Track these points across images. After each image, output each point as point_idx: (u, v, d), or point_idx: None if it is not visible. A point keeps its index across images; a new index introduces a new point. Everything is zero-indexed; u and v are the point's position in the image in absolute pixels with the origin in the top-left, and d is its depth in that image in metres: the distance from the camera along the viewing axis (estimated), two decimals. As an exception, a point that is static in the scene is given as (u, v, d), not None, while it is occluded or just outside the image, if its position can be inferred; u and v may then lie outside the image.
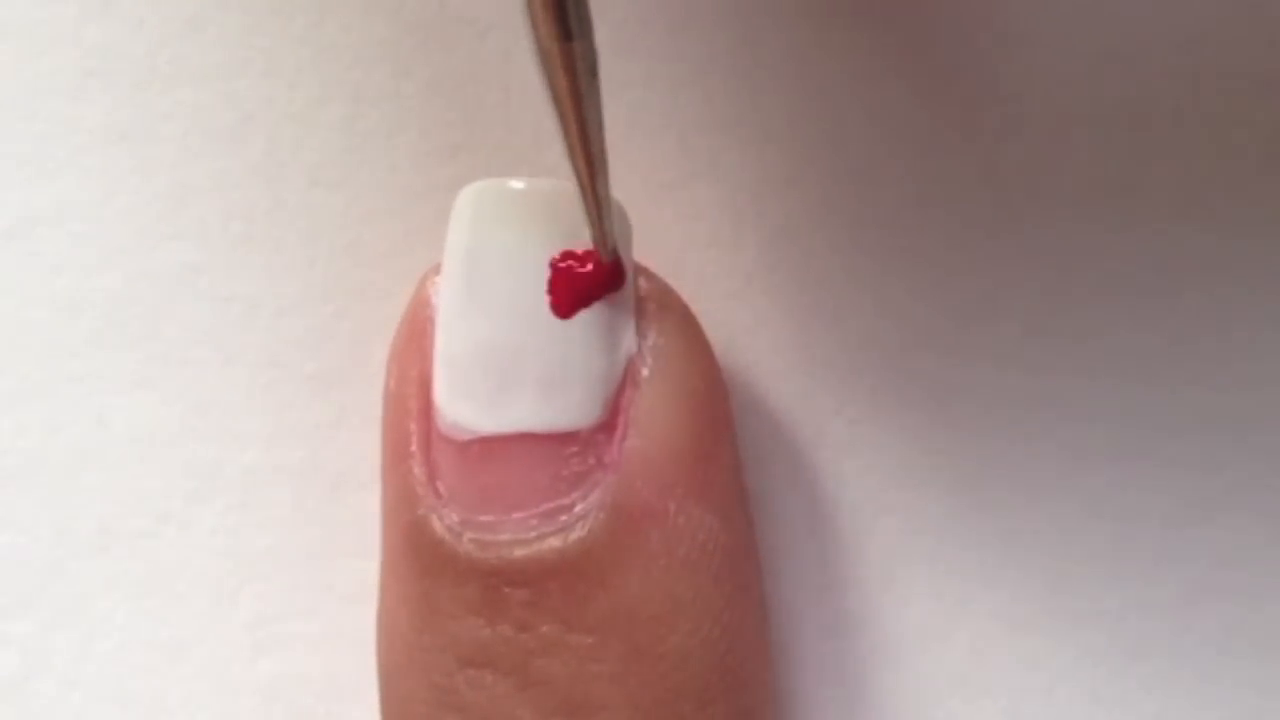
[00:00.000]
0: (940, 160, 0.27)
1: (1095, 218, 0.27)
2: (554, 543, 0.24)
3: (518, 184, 0.25)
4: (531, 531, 0.24)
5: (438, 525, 0.24)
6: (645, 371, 0.25)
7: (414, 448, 0.25)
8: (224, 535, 0.28)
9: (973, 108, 0.27)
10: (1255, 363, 0.27)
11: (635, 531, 0.24)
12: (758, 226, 0.28)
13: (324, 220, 0.28)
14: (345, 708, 0.28)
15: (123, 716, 0.28)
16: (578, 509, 0.24)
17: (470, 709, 0.24)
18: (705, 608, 0.25)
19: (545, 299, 0.24)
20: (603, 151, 0.23)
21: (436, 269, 0.25)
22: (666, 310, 0.25)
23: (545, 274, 0.24)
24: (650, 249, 0.26)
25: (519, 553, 0.24)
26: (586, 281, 0.24)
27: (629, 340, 0.25)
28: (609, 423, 0.24)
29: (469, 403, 0.24)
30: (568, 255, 0.24)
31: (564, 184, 0.24)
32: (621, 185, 0.26)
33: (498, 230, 0.24)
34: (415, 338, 0.25)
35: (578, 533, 0.24)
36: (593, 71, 0.22)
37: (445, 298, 0.25)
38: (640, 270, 0.25)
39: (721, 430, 0.26)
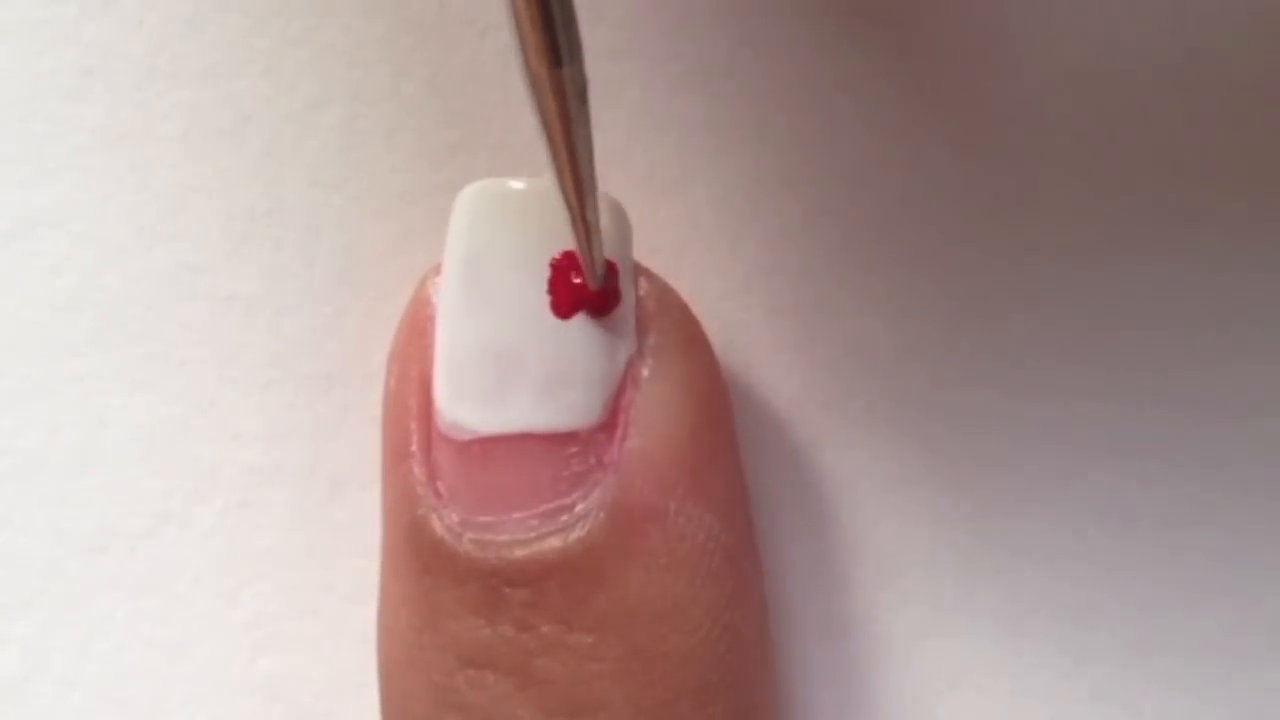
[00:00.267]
0: (939, 160, 0.27)
1: (1094, 218, 0.27)
2: (554, 542, 0.24)
3: (518, 184, 0.25)
4: (532, 531, 0.24)
5: (438, 525, 0.24)
6: (645, 371, 0.25)
7: (414, 447, 0.25)
8: (224, 535, 0.28)
9: (971, 108, 0.27)
10: (1255, 362, 0.27)
11: (635, 531, 0.24)
12: (757, 227, 0.28)
13: (324, 220, 0.28)
14: (345, 707, 0.28)
15: (122, 716, 0.28)
16: (578, 509, 0.24)
17: (471, 708, 0.24)
18: (706, 607, 0.24)
19: (545, 299, 0.24)
20: (592, 177, 0.23)
21: (437, 269, 0.25)
22: (666, 310, 0.25)
23: (545, 274, 0.24)
24: (650, 249, 0.26)
25: (519, 553, 0.24)
26: (584, 288, 0.24)
27: (629, 340, 0.25)
28: (609, 423, 0.24)
29: (469, 402, 0.24)
30: (568, 255, 0.24)
31: None
32: (621, 185, 0.27)
33: (498, 230, 0.24)
34: (415, 337, 0.25)
35: (578, 532, 0.24)
36: (582, 97, 0.22)
37: (445, 297, 0.25)
38: (640, 270, 0.25)
39: (722, 430, 0.26)
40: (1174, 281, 0.27)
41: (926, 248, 0.27)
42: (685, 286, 0.26)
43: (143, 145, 0.28)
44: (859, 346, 0.28)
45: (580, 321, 0.24)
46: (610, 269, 0.24)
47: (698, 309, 0.26)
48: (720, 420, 0.26)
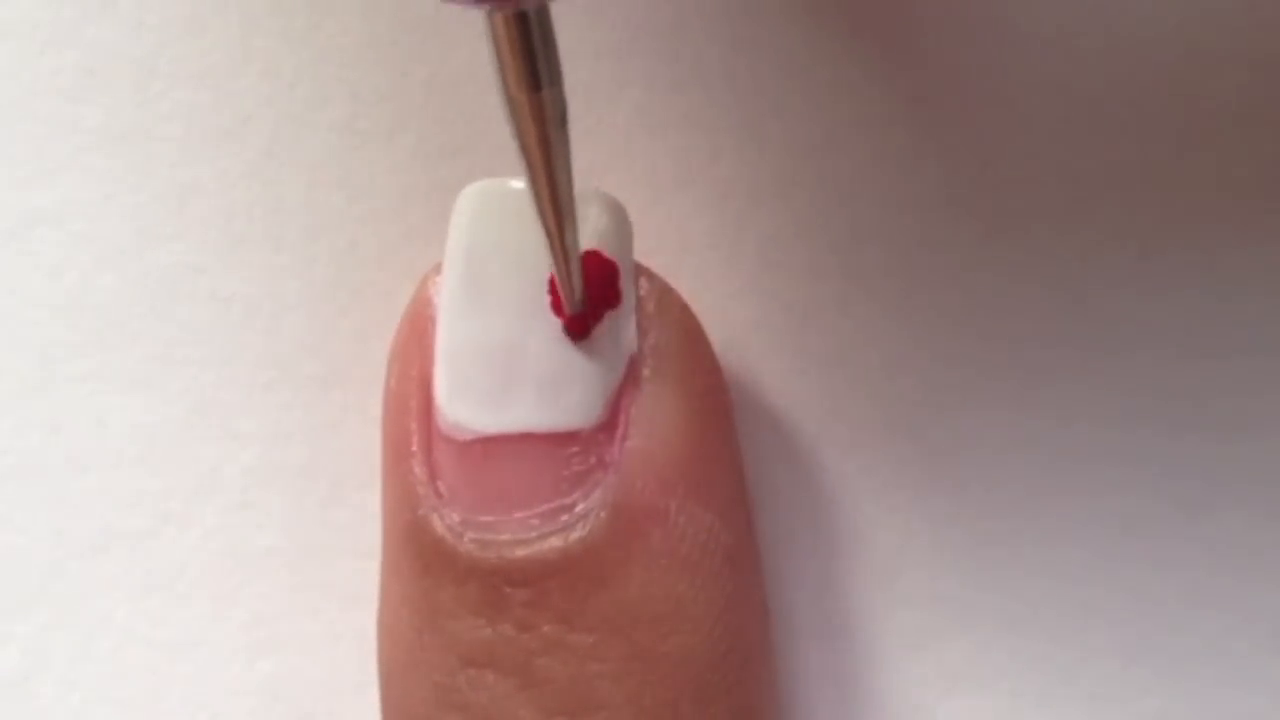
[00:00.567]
0: (937, 163, 0.27)
1: (1092, 220, 0.27)
2: (555, 542, 0.24)
3: (519, 184, 0.24)
4: (532, 531, 0.24)
5: (438, 525, 0.24)
6: (646, 371, 0.24)
7: (415, 447, 0.25)
8: (224, 535, 0.28)
9: (971, 110, 0.27)
10: (1254, 363, 0.27)
11: (636, 531, 0.24)
12: (757, 227, 0.27)
13: (324, 220, 0.28)
14: (345, 707, 0.28)
15: (122, 716, 0.28)
16: (579, 509, 0.24)
17: (471, 708, 0.24)
18: (706, 607, 0.24)
19: (546, 299, 0.24)
20: (570, 201, 0.23)
21: (438, 268, 0.25)
22: (667, 310, 0.25)
23: (546, 274, 0.24)
24: (650, 249, 0.26)
25: (520, 552, 0.24)
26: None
27: (629, 340, 0.25)
28: (610, 422, 0.24)
29: (470, 402, 0.24)
30: None
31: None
32: (622, 186, 0.26)
33: (499, 230, 0.24)
34: (416, 337, 0.25)
35: (579, 532, 0.24)
36: (562, 121, 0.22)
37: (446, 297, 0.25)
38: (641, 270, 0.25)
39: (722, 430, 0.26)
40: (1172, 284, 0.27)
41: (926, 249, 0.27)
42: (685, 287, 0.26)
43: (142, 145, 0.28)
44: (858, 348, 0.27)
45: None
46: (611, 268, 0.24)
47: (697, 309, 0.26)
48: (721, 420, 0.26)
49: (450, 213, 0.25)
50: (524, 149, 0.22)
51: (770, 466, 0.28)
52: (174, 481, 0.28)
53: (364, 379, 0.28)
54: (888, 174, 0.27)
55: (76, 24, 0.28)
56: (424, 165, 0.28)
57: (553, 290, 0.24)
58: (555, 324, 0.24)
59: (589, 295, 0.24)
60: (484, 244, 0.24)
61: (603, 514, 0.24)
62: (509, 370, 0.24)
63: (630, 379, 0.24)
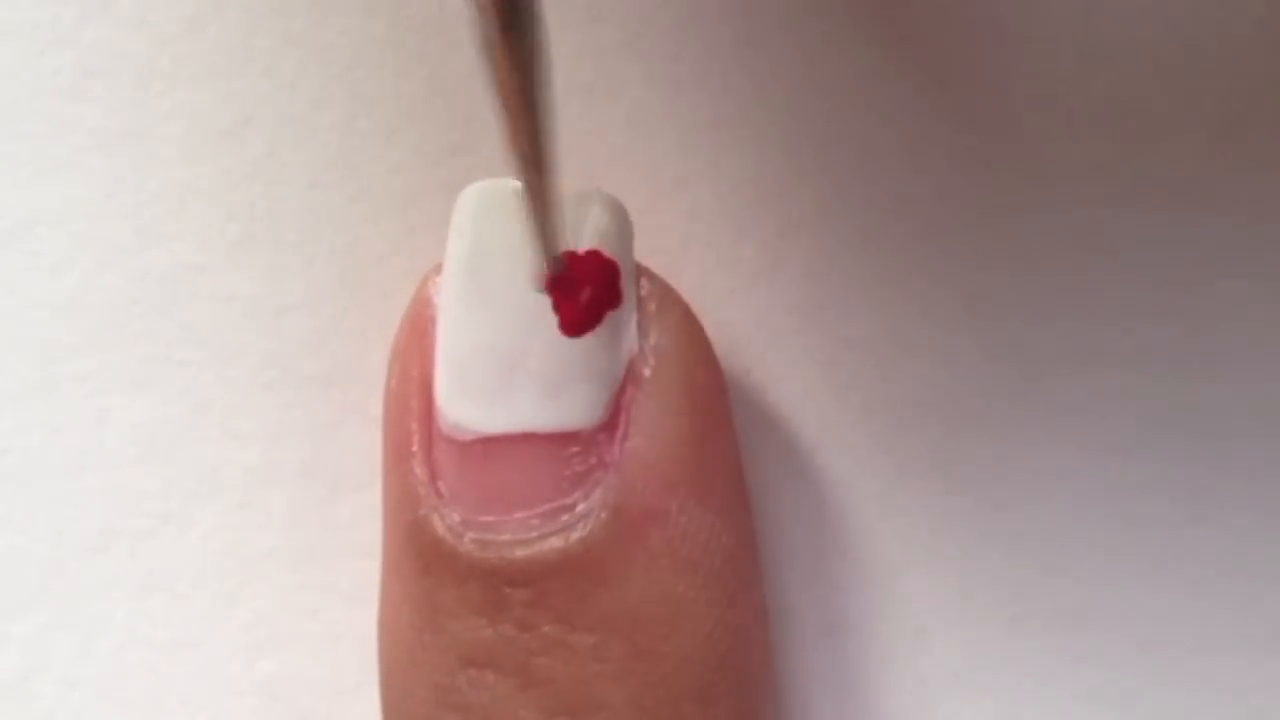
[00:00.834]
0: (940, 158, 0.27)
1: (1096, 215, 0.27)
2: (555, 543, 0.24)
3: (518, 183, 0.24)
4: (533, 531, 0.24)
5: (439, 525, 0.24)
6: (647, 371, 0.24)
7: (415, 447, 0.24)
8: (224, 535, 0.28)
9: (975, 106, 0.27)
10: (1256, 359, 0.27)
11: (637, 531, 0.24)
12: (758, 227, 0.27)
13: (324, 220, 0.28)
14: (345, 708, 0.28)
15: (122, 716, 0.28)
16: (579, 509, 0.24)
17: (472, 709, 0.24)
18: (708, 607, 0.24)
19: (547, 299, 0.24)
20: (552, 150, 0.23)
21: (438, 269, 0.25)
22: (668, 310, 0.25)
23: (547, 274, 0.24)
24: (650, 249, 0.26)
25: (520, 553, 0.24)
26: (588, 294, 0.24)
27: (630, 340, 0.24)
28: (610, 422, 0.24)
29: (471, 403, 0.24)
30: (569, 256, 0.24)
31: (566, 184, 0.24)
32: (622, 186, 0.26)
33: (500, 230, 0.24)
34: (416, 337, 0.25)
35: (579, 532, 0.24)
36: (539, 61, 0.22)
37: (447, 297, 0.24)
38: (641, 270, 0.25)
39: (723, 430, 0.25)
40: (1175, 280, 0.27)
41: (926, 248, 0.27)
42: (686, 287, 0.26)
43: (143, 145, 0.28)
44: (859, 347, 0.27)
45: None
46: (611, 268, 0.24)
47: (698, 309, 0.26)
48: (721, 420, 0.25)
49: (451, 213, 0.25)
50: (498, 95, 0.22)
51: (769, 467, 0.28)
52: (174, 481, 0.28)
53: (364, 379, 0.28)
54: (889, 174, 0.27)
55: (77, 23, 0.28)
56: (425, 165, 0.28)
57: (552, 289, 0.24)
58: (555, 324, 0.24)
59: (589, 295, 0.24)
60: (485, 244, 0.24)
61: (603, 514, 0.24)
62: (510, 370, 0.24)
63: (630, 379, 0.24)
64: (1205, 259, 0.27)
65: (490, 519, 0.24)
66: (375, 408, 0.27)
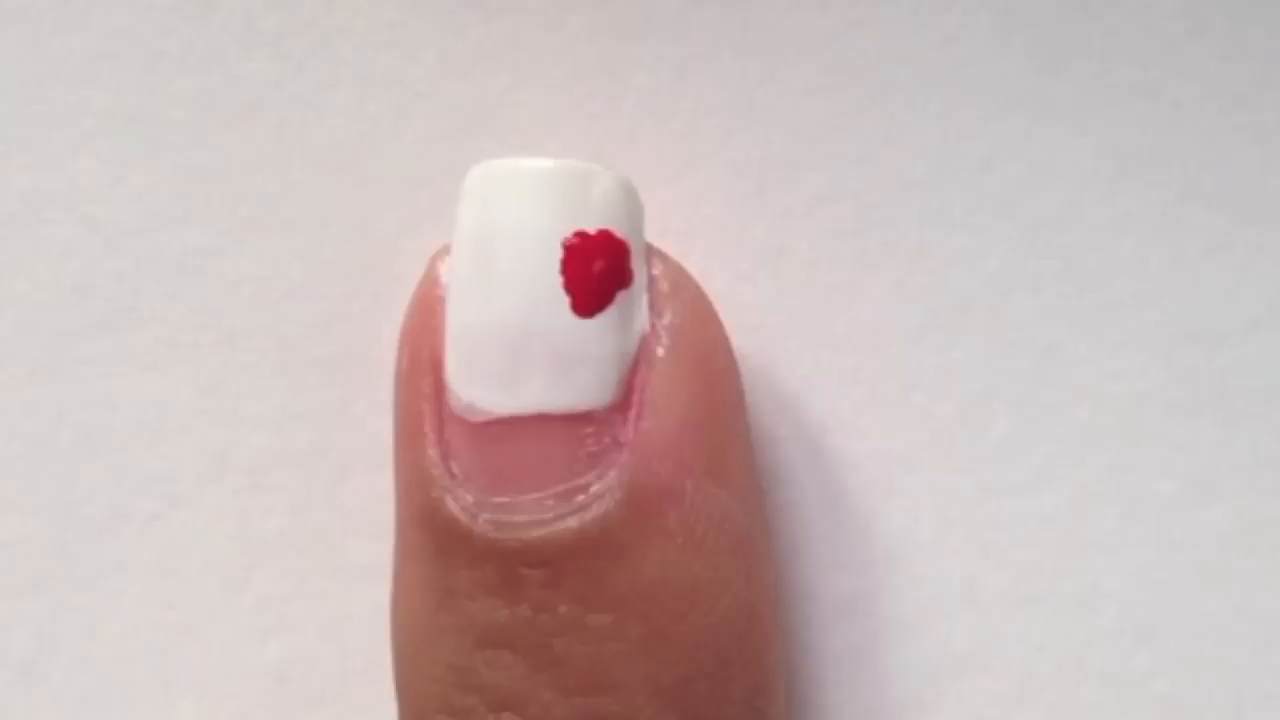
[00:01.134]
0: (947, 143, 0.27)
1: (1101, 201, 0.27)
2: (571, 523, 0.24)
3: (529, 162, 0.24)
4: (548, 512, 0.24)
5: (453, 506, 0.24)
6: (660, 351, 0.24)
7: (427, 429, 0.24)
8: (233, 517, 0.28)
9: (982, 93, 0.27)
10: (1261, 345, 0.27)
11: (652, 511, 0.24)
12: (766, 210, 0.27)
13: (332, 203, 0.28)
14: (355, 689, 0.28)
15: (132, 698, 0.28)
16: (594, 489, 0.24)
17: (488, 689, 0.24)
18: (722, 587, 0.24)
19: (559, 279, 0.24)
20: None
21: (447, 249, 0.25)
22: (681, 289, 0.25)
23: (559, 254, 0.24)
24: (659, 231, 0.26)
25: (535, 533, 0.24)
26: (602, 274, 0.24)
27: (641, 319, 0.24)
28: (623, 402, 0.24)
29: (484, 383, 0.24)
30: (581, 235, 0.24)
31: (576, 163, 0.24)
32: (630, 169, 0.26)
33: (510, 209, 0.24)
34: (426, 318, 0.25)
35: (595, 513, 0.24)
36: None
37: (457, 278, 0.24)
38: (653, 251, 0.25)
39: (735, 409, 0.25)
40: (1178, 264, 0.27)
41: (934, 231, 0.27)
42: (693, 269, 0.26)
43: (151, 129, 0.28)
44: (866, 330, 0.27)
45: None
46: (621, 247, 0.24)
47: (705, 290, 0.26)
48: (734, 400, 0.25)
49: (459, 194, 0.25)
50: None
51: (776, 449, 0.28)
52: (183, 464, 0.28)
53: (373, 361, 0.28)
54: (896, 159, 0.27)
55: (84, 7, 0.28)
56: (433, 148, 0.28)
57: (565, 269, 0.24)
58: (568, 303, 0.24)
59: (600, 274, 0.24)
60: (493, 224, 0.24)
61: (618, 494, 0.24)
62: (521, 350, 0.24)
63: (643, 359, 0.24)
64: (1210, 242, 0.27)
65: (505, 500, 0.24)
66: (384, 390, 0.27)
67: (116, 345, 0.28)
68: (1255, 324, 0.27)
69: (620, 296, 0.24)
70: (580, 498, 0.24)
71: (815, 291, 0.27)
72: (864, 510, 0.27)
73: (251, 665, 0.28)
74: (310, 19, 0.28)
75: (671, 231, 0.27)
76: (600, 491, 0.24)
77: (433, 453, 0.24)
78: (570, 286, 0.24)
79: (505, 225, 0.24)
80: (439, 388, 0.24)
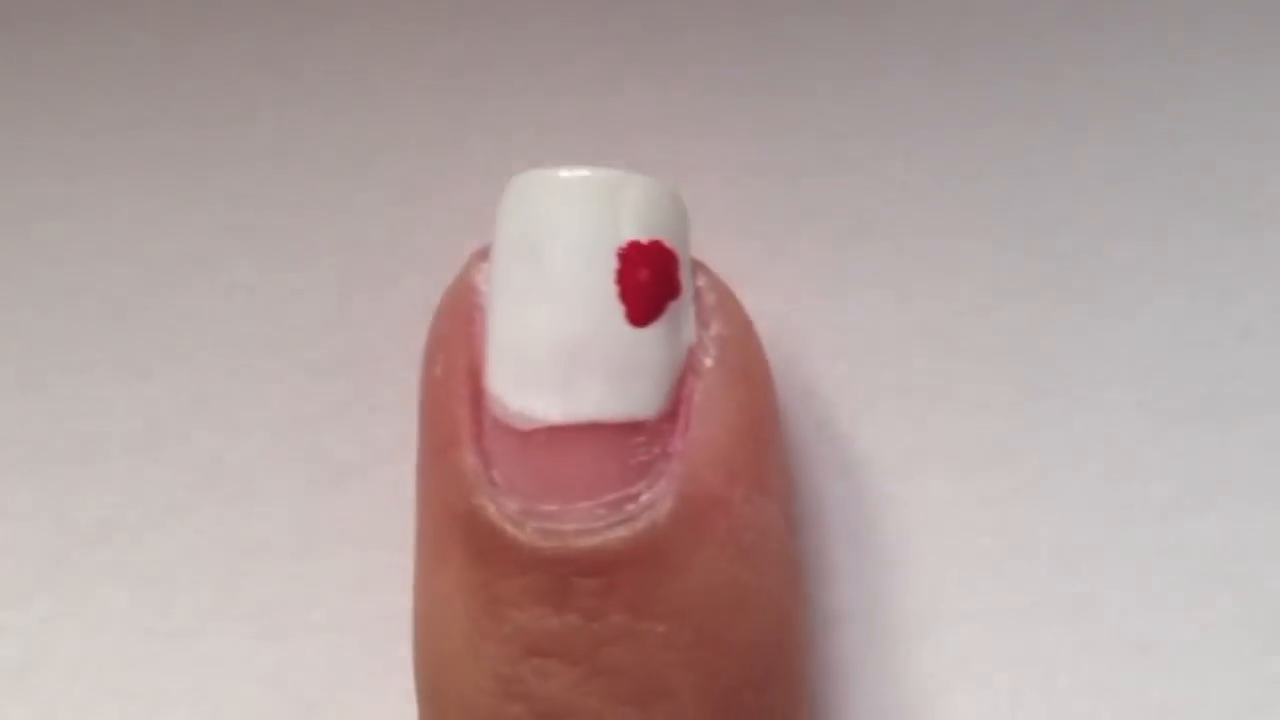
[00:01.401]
0: (946, 150, 0.27)
1: (1096, 207, 0.27)
2: (622, 532, 0.23)
3: (578, 171, 0.24)
4: (599, 521, 0.23)
5: (496, 514, 0.24)
6: (708, 362, 0.24)
7: (465, 436, 0.24)
8: (227, 525, 0.27)
9: (980, 99, 0.28)
10: (1255, 350, 0.27)
11: (703, 520, 0.24)
12: (763, 217, 0.28)
13: (327, 209, 0.28)
14: (348, 696, 0.27)
15: (125, 706, 0.27)
16: (643, 498, 0.24)
17: (535, 698, 0.23)
18: (769, 595, 0.24)
19: (614, 288, 0.24)
20: None
21: (481, 254, 0.25)
22: (725, 301, 0.25)
23: (614, 264, 0.24)
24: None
25: (585, 542, 0.23)
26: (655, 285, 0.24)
27: (689, 330, 0.24)
28: (672, 412, 0.24)
29: (537, 392, 0.24)
30: (634, 246, 0.24)
31: (627, 173, 0.24)
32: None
33: (561, 218, 0.24)
34: (462, 324, 0.24)
35: (645, 522, 0.23)
36: None
37: (502, 286, 0.24)
38: (696, 263, 0.25)
39: (775, 419, 0.25)
40: (1176, 271, 0.27)
41: (931, 239, 0.27)
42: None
43: (146, 135, 0.28)
44: (862, 337, 0.27)
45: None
46: (671, 257, 0.24)
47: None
48: (774, 410, 0.25)
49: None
50: None
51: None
52: (176, 471, 0.27)
53: (367, 367, 0.27)
54: (898, 162, 0.27)
55: (81, 12, 0.28)
56: (430, 154, 0.28)
57: (620, 279, 0.24)
58: (622, 313, 0.24)
59: (654, 284, 0.24)
60: (543, 233, 0.24)
61: (669, 503, 0.24)
62: (576, 359, 0.24)
63: (691, 369, 0.24)
64: (1209, 249, 0.27)
65: (554, 508, 0.24)
66: (379, 395, 0.27)
67: (109, 351, 0.27)
68: (1250, 330, 0.27)
69: (670, 307, 0.24)
70: (630, 507, 0.24)
71: (809, 298, 0.27)
72: (856, 518, 0.27)
73: (245, 672, 0.27)
74: (306, 24, 0.28)
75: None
76: (650, 501, 0.24)
77: (472, 460, 0.24)
78: (625, 296, 0.24)
79: (557, 234, 0.24)
80: (477, 395, 0.24)
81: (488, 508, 0.24)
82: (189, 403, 0.28)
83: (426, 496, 0.25)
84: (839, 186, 0.27)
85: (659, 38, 0.28)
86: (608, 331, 0.24)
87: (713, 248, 0.27)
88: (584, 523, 0.24)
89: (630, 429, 0.24)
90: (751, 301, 0.27)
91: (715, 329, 0.25)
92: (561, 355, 0.24)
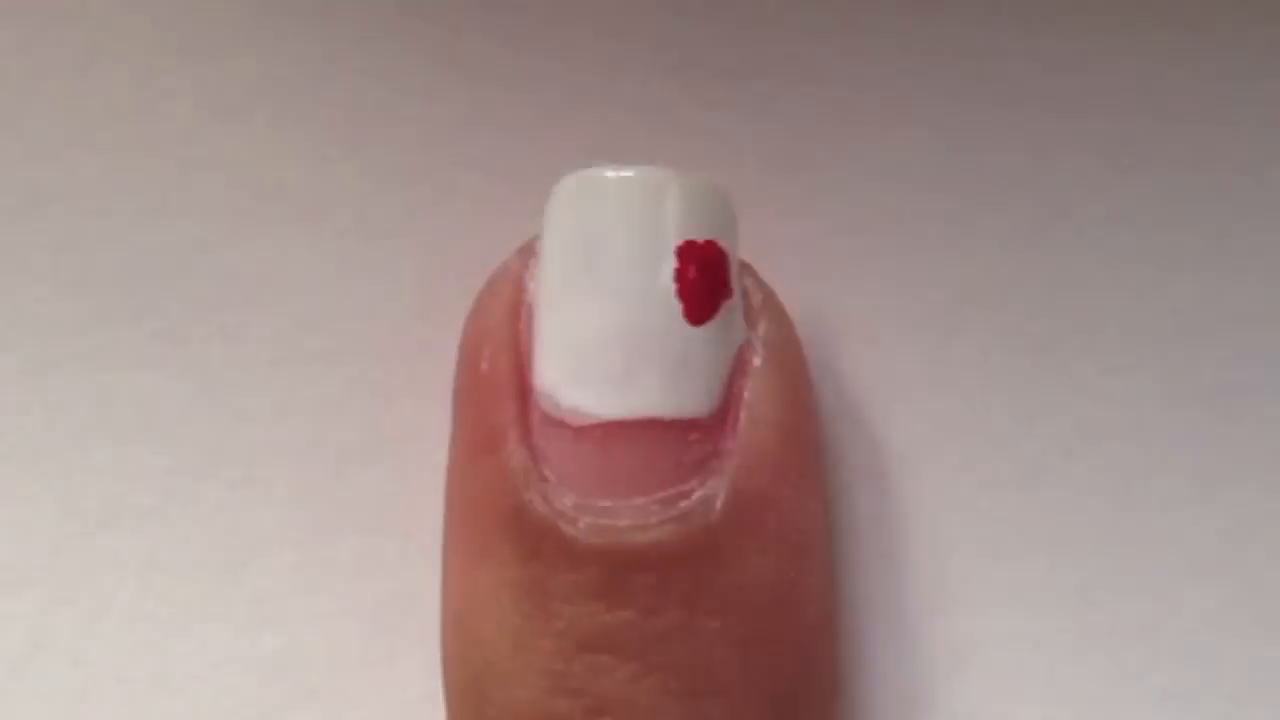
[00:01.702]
0: (944, 147, 0.27)
1: (1098, 197, 0.27)
2: (677, 528, 0.23)
3: (627, 171, 0.24)
4: (653, 516, 0.23)
5: (548, 509, 0.24)
6: (757, 361, 0.24)
7: (513, 431, 0.24)
8: (228, 512, 0.27)
9: (980, 98, 0.27)
10: (1253, 341, 0.27)
11: (754, 517, 0.24)
12: (760, 215, 0.27)
13: (328, 197, 0.27)
14: (350, 683, 0.27)
15: (127, 692, 0.27)
16: (696, 495, 0.24)
17: (588, 693, 0.23)
18: (813, 592, 0.25)
19: (673, 285, 0.24)
20: None
21: (525, 251, 0.25)
22: (770, 301, 0.25)
23: (672, 262, 0.24)
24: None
25: (640, 538, 0.23)
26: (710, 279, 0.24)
27: (739, 329, 0.24)
28: (723, 410, 0.24)
29: (594, 388, 0.24)
30: (690, 244, 0.24)
31: (675, 173, 0.24)
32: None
33: (617, 217, 0.24)
34: (509, 320, 0.24)
35: (699, 518, 0.24)
36: None
37: (559, 284, 0.24)
38: (742, 263, 0.25)
39: (815, 417, 0.26)
40: (1177, 262, 0.27)
41: (927, 234, 0.27)
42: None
43: (147, 122, 0.27)
44: (858, 335, 0.27)
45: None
46: (725, 258, 0.24)
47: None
48: (815, 409, 0.26)
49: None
50: None
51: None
52: (178, 458, 0.27)
53: (370, 355, 0.27)
54: (894, 159, 0.27)
55: (81, 1, 0.28)
56: (431, 141, 0.28)
57: (679, 277, 0.24)
58: (679, 311, 0.24)
59: (710, 283, 0.24)
60: (599, 231, 0.24)
61: (721, 500, 0.24)
62: (634, 356, 0.24)
63: (740, 368, 0.24)
64: (1207, 241, 0.27)
65: (608, 504, 0.23)
66: (381, 384, 0.27)
67: (112, 339, 0.27)
68: (1252, 319, 0.27)
69: (724, 306, 0.24)
70: (683, 503, 0.24)
71: (807, 298, 0.27)
72: (856, 513, 0.27)
73: (246, 659, 0.27)
74: (307, 12, 0.28)
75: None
76: (704, 497, 0.24)
77: (522, 455, 0.24)
78: (683, 295, 0.24)
79: (613, 234, 0.24)
80: (525, 390, 0.24)
81: (539, 504, 0.24)
82: (191, 390, 0.27)
83: (466, 493, 0.25)
84: (831, 177, 0.27)
85: (647, 33, 0.28)
86: (666, 329, 0.24)
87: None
88: (638, 518, 0.23)
89: (685, 426, 0.24)
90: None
91: (763, 329, 0.25)
92: (618, 352, 0.24)
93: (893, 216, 0.27)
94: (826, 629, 0.25)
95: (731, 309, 0.24)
